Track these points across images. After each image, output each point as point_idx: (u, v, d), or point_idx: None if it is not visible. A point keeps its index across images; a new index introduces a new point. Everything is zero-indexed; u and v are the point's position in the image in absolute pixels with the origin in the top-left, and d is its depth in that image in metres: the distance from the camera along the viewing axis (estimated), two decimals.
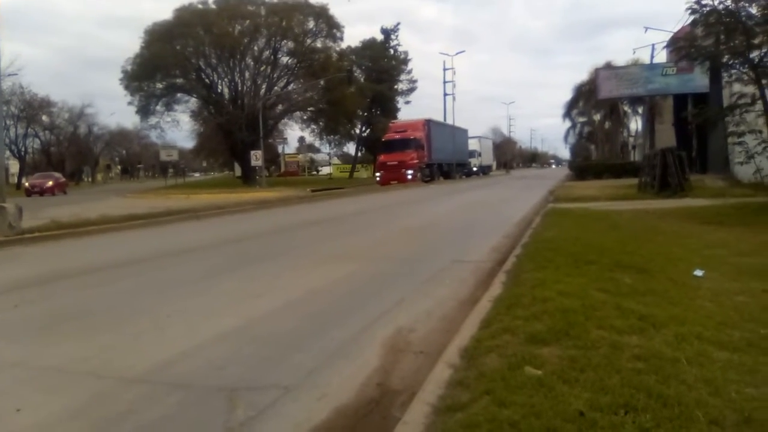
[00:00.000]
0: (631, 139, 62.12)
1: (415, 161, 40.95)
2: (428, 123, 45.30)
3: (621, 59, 47.44)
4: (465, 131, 58.67)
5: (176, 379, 3.82)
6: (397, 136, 42.76)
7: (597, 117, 62.68)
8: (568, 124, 68.24)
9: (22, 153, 62.45)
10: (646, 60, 37.49)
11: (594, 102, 50.93)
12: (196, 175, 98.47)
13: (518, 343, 3.65)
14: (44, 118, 62.73)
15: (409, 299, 5.86)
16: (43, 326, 5.31)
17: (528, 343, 3.62)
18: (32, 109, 59.17)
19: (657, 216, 11.70)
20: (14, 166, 61.37)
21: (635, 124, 59.19)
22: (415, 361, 4.06)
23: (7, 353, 4.50)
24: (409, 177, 39.56)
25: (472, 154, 60.75)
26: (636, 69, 36.29)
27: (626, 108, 55.42)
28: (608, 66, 44.12)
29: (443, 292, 6.13)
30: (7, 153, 52.54)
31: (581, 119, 66.66)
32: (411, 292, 6.20)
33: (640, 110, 50.20)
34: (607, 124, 60.72)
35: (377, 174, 43.09)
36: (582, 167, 39.96)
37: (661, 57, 35.59)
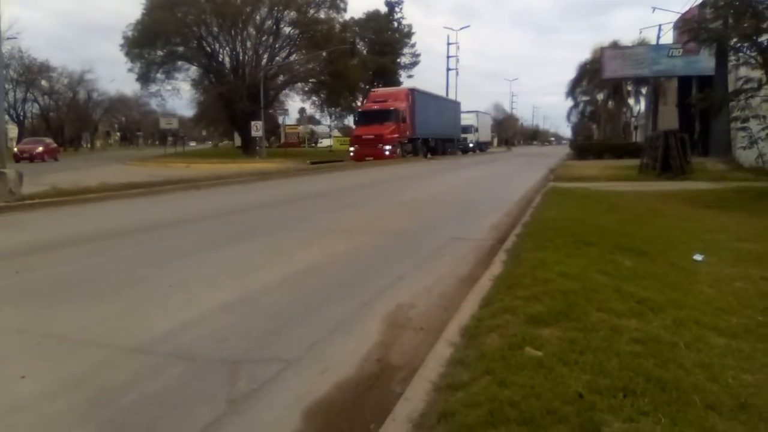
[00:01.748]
0: (634, 120, 61.89)
1: (395, 135, 36.31)
2: (412, 92, 40.23)
3: (626, 39, 46.99)
4: (457, 104, 53.57)
5: (179, 350, 3.85)
6: (376, 107, 38.07)
7: (600, 96, 62.38)
8: (570, 102, 68.00)
9: (21, 118, 62.18)
10: (653, 41, 37.17)
11: (597, 81, 50.61)
12: (193, 144, 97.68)
13: (518, 324, 3.67)
14: (43, 83, 62.40)
15: (409, 275, 5.90)
16: (44, 293, 5.35)
17: (528, 324, 3.64)
18: (31, 73, 58.83)
19: (658, 198, 11.72)
20: (13, 131, 61.05)
21: (638, 104, 58.98)
22: (415, 338, 4.09)
23: (9, 320, 4.53)
24: (387, 153, 35.28)
25: (468, 129, 56.76)
26: (642, 49, 35.99)
27: (630, 88, 55.14)
28: (614, 45, 43.70)
29: (443, 269, 6.16)
30: (6, 118, 52.14)
31: (584, 98, 66.39)
32: (411, 268, 6.23)
33: (643, 91, 49.98)
34: (610, 104, 60.46)
35: (351, 148, 38.29)
36: (583, 146, 39.72)
37: (668, 38, 35.29)
